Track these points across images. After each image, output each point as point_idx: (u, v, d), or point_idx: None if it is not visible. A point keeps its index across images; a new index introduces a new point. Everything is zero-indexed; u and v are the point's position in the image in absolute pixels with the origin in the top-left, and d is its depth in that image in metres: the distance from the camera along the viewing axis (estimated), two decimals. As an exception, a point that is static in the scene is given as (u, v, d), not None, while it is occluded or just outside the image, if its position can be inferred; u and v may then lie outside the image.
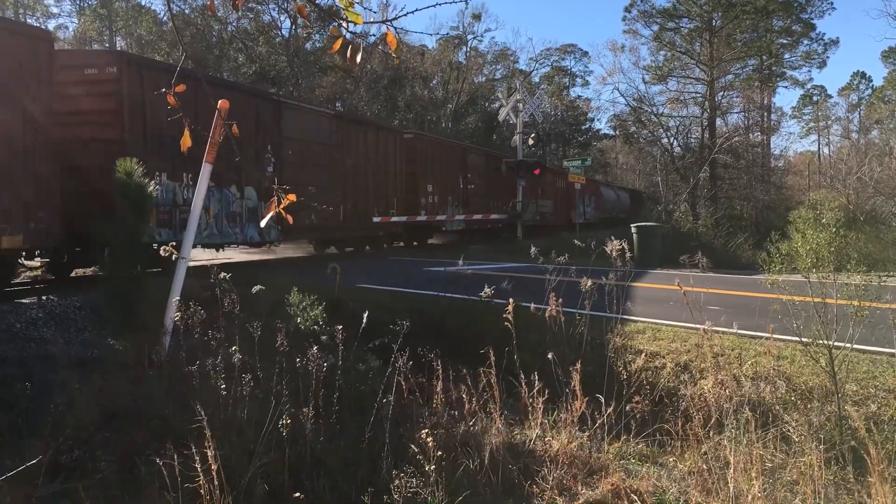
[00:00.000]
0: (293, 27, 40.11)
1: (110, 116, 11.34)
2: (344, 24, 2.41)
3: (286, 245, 18.66)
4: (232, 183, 14.06)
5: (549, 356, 5.37)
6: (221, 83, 17.53)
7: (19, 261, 11.01)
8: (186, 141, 2.70)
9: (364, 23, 2.40)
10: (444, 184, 23.53)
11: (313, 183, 16.45)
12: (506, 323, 5.57)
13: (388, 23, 2.42)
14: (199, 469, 3.73)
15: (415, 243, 23.01)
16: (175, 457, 3.77)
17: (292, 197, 2.64)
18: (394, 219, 20.04)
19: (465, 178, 25.25)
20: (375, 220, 19.15)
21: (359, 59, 2.41)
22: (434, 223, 23.04)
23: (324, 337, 5.35)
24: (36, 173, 9.19)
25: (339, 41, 2.42)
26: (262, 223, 2.94)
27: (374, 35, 32.26)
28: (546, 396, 5.17)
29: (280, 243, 17.01)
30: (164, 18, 40.85)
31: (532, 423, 5.14)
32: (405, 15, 2.46)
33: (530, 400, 5.15)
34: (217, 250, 14.81)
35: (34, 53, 9.25)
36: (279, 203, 2.65)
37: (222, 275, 5.08)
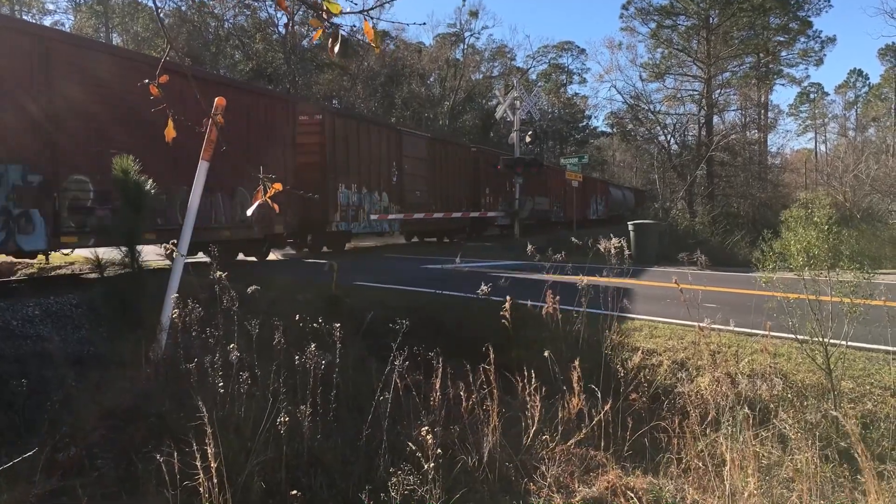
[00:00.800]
0: (290, 23, 40.04)
1: (317, 148, 17.57)
2: (324, 15, 2.42)
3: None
4: (376, 189, 20.11)
5: (546, 354, 5.38)
6: (374, 120, 23.89)
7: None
8: (171, 132, 2.78)
9: (342, 13, 2.41)
10: (496, 186, 28.87)
11: (419, 189, 22.90)
12: (503, 321, 5.59)
13: (365, 13, 2.43)
14: (197, 466, 3.73)
15: (473, 234, 28.35)
16: (173, 454, 3.77)
17: (278, 186, 2.73)
18: (455, 215, 25.39)
19: (509, 183, 29.48)
20: (439, 215, 24.46)
21: (337, 48, 2.43)
22: (488, 219, 28.51)
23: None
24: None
25: (320, 31, 2.45)
26: (249, 212, 3.02)
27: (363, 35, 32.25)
28: (543, 394, 5.18)
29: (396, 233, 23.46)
30: (161, 15, 40.75)
31: (529, 421, 5.15)
32: (381, 5, 2.48)
33: (528, 397, 5.16)
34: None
35: (291, 112, 16.26)
36: (265, 192, 2.71)
37: (219, 273, 5.08)
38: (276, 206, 2.93)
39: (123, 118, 10.66)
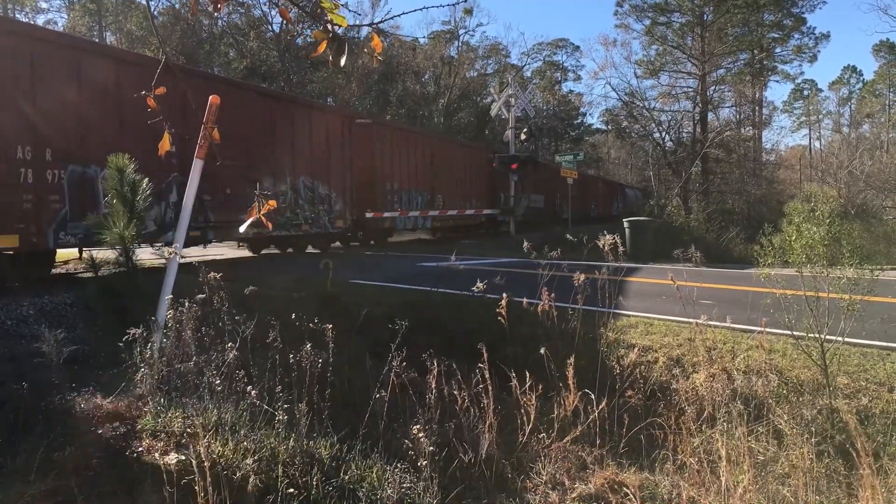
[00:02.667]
0: (284, 22, 39.97)
1: (487, 176, 28.69)
2: (329, 27, 2.40)
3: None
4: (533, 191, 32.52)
5: (542, 351, 5.38)
6: (528, 159, 30.80)
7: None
8: (165, 144, 2.81)
9: (349, 26, 2.40)
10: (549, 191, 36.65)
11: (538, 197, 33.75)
12: (499, 318, 5.58)
13: (374, 26, 2.43)
14: (193, 465, 3.72)
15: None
16: (169, 453, 3.77)
17: (273, 203, 2.75)
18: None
19: (571, 188, 36.96)
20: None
21: (342, 62, 2.41)
22: (557, 211, 36.54)
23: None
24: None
25: (325, 44, 2.42)
26: (242, 228, 3.07)
27: (360, 35, 32.39)
28: (539, 391, 5.18)
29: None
30: (155, 13, 40.63)
31: (525, 418, 5.15)
32: (391, 18, 2.49)
33: (523, 395, 5.16)
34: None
35: (487, 155, 29.54)
36: (260, 209, 2.74)
37: (212, 274, 5.07)
38: (269, 224, 2.98)
39: (447, 167, 25.28)
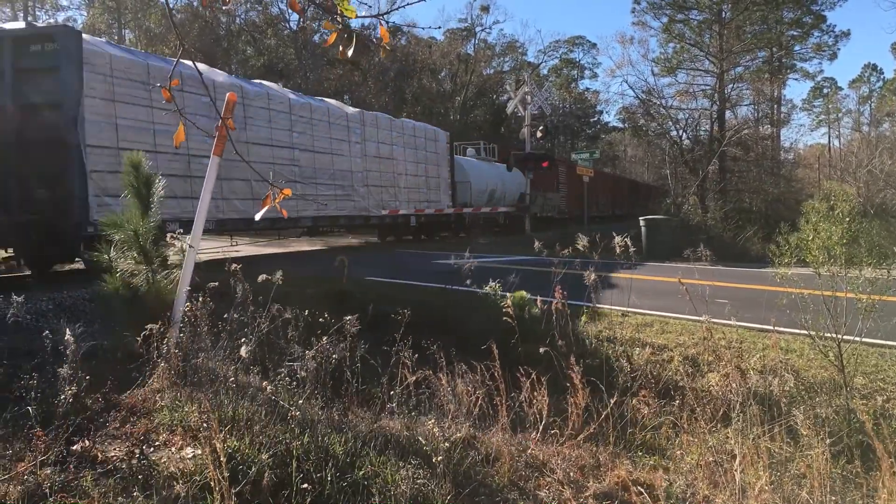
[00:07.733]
0: (301, 20, 40.10)
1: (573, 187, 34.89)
2: (338, 18, 2.42)
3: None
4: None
5: (544, 350, 5.38)
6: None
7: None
8: (180, 135, 2.84)
9: (358, 17, 2.43)
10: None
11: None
12: (508, 317, 5.58)
13: (381, 17, 2.45)
14: (208, 460, 3.75)
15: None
16: (185, 448, 3.79)
17: (287, 191, 2.80)
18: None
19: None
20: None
21: (350, 52, 2.44)
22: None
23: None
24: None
25: (335, 35, 2.46)
26: (257, 217, 3.13)
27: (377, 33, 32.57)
28: (553, 389, 5.18)
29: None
30: (173, 10, 40.85)
31: (538, 416, 5.14)
32: (397, 9, 2.50)
33: (535, 393, 5.15)
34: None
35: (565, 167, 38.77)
36: (274, 199, 2.79)
37: (234, 266, 5.11)
38: (284, 212, 3.07)
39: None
